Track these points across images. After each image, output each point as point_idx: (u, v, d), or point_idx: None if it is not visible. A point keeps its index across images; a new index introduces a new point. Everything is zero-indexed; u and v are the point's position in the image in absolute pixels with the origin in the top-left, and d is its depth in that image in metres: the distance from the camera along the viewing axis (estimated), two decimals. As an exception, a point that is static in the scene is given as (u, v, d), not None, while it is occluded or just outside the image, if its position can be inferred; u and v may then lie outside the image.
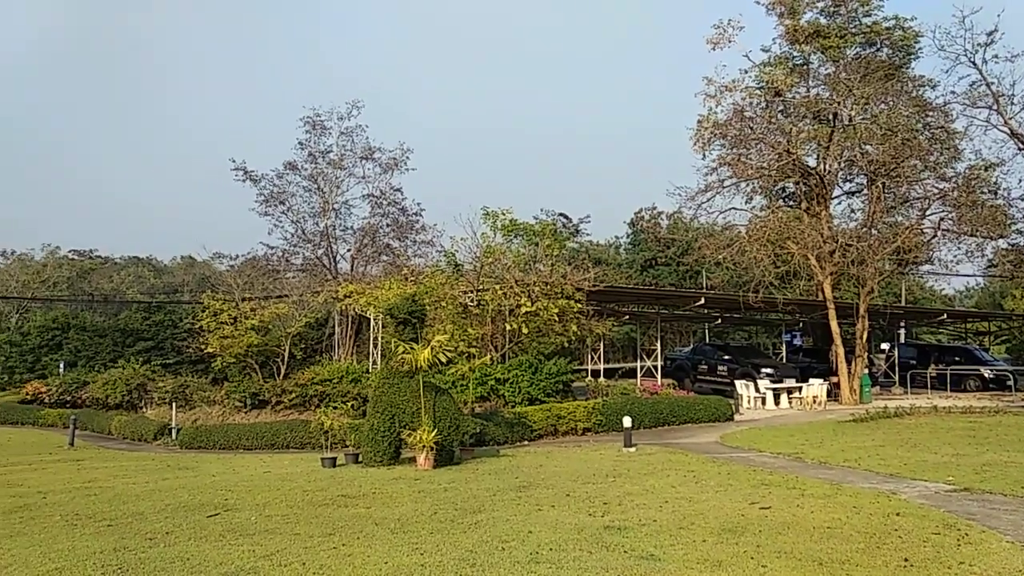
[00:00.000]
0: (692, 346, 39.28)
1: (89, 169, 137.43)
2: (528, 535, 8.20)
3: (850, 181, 35.54)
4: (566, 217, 56.30)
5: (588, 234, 59.82)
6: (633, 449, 15.92)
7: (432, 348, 14.74)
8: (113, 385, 27.29)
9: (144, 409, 26.47)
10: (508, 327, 22.46)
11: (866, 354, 30.67)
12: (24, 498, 12.07)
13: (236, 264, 37.67)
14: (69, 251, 62.58)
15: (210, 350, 25.85)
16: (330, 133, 34.65)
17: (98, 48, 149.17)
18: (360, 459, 15.22)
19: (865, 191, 32.79)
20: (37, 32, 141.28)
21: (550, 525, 8.70)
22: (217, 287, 33.48)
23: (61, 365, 35.22)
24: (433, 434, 14.04)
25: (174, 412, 23.42)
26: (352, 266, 35.06)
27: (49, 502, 11.55)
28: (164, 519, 9.66)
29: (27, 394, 30.93)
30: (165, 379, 27.41)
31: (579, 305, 22.81)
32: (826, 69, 32.70)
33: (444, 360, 15.39)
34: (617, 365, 34.69)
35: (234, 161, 34.19)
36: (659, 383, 27.34)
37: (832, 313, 28.84)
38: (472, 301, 23.26)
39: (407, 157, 35.39)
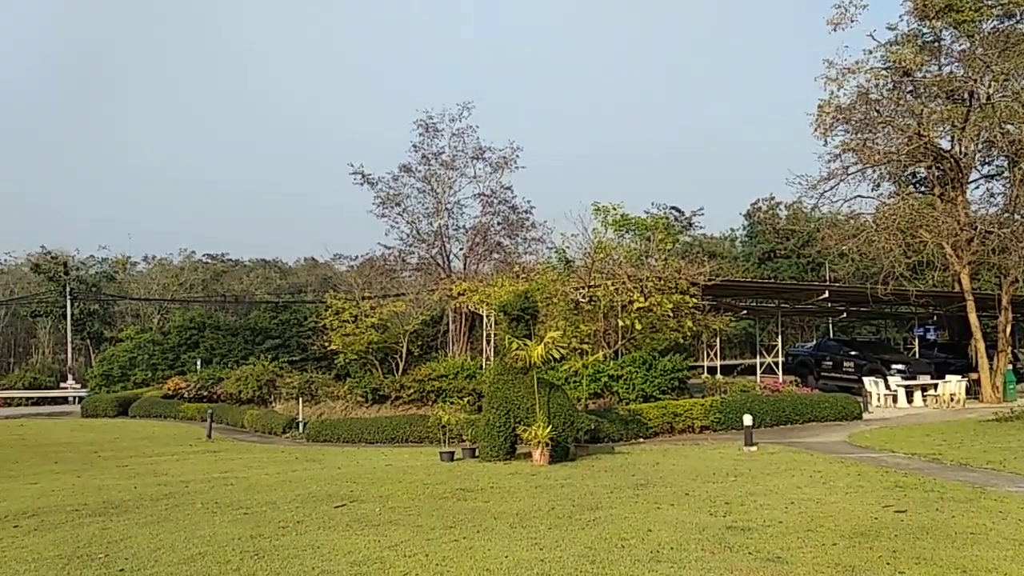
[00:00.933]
0: (815, 341, 37.65)
1: (221, 177, 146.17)
2: (647, 533, 8.08)
3: (989, 164, 33.05)
4: (678, 210, 55.26)
5: (701, 227, 58.51)
6: (754, 448, 15.41)
7: (545, 344, 14.78)
8: (245, 381, 28.87)
9: (273, 404, 27.84)
10: (620, 323, 22.22)
11: (1010, 349, 28.51)
12: (169, 487, 12.96)
13: (355, 264, 39.05)
14: (203, 255, 66.78)
15: (333, 347, 26.89)
16: (442, 135, 35.32)
17: (214, 50, 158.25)
18: (477, 453, 15.46)
19: (1006, 173, 30.43)
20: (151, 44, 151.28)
21: (670, 524, 8.54)
22: (338, 287, 34.85)
23: (198, 362, 37.57)
24: (548, 430, 14.08)
25: (300, 407, 24.51)
26: (465, 264, 35.63)
27: (191, 491, 12.35)
28: (295, 508, 10.13)
29: (169, 389, 33.11)
30: (292, 375, 28.74)
31: (694, 300, 22.29)
32: (960, 45, 30.48)
33: (557, 356, 15.41)
34: (735, 362, 33.72)
35: (352, 165, 35.46)
36: (780, 380, 26.36)
37: (971, 305, 26.96)
38: (583, 297, 23.16)
39: (517, 155, 35.62)
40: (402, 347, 27.27)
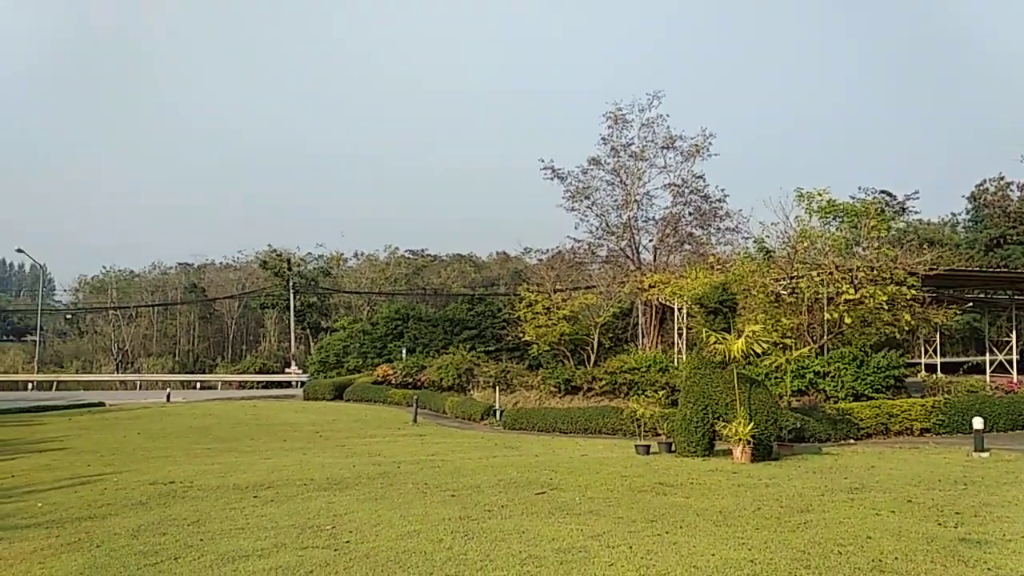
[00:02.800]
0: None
1: (421, 178, 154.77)
2: (867, 541, 7.55)
3: None
4: (889, 194, 50.92)
5: (916, 212, 53.55)
6: (986, 454, 13.93)
7: (746, 338, 14.24)
8: (445, 369, 30.34)
9: (471, 391, 29.04)
10: (827, 316, 20.88)
11: None
12: (383, 467, 13.88)
13: (545, 258, 39.67)
14: (406, 251, 70.90)
15: (527, 338, 27.58)
16: (631, 126, 34.98)
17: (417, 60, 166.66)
18: (673, 448, 15.20)
19: None
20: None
21: (892, 532, 7.92)
22: (529, 280, 35.60)
23: (403, 351, 39.96)
24: (750, 427, 13.56)
25: (497, 395, 25.36)
26: (655, 256, 35.10)
27: (402, 471, 13.15)
28: (498, 493, 10.49)
29: (378, 376, 35.52)
30: (488, 364, 29.81)
31: (912, 292, 20.48)
32: None
33: (759, 351, 14.80)
34: (958, 359, 30.60)
35: (543, 161, 36.03)
36: (1015, 379, 23.60)
37: None
38: (785, 289, 22.02)
39: (709, 143, 34.54)
40: (593, 339, 27.42)
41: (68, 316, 73.60)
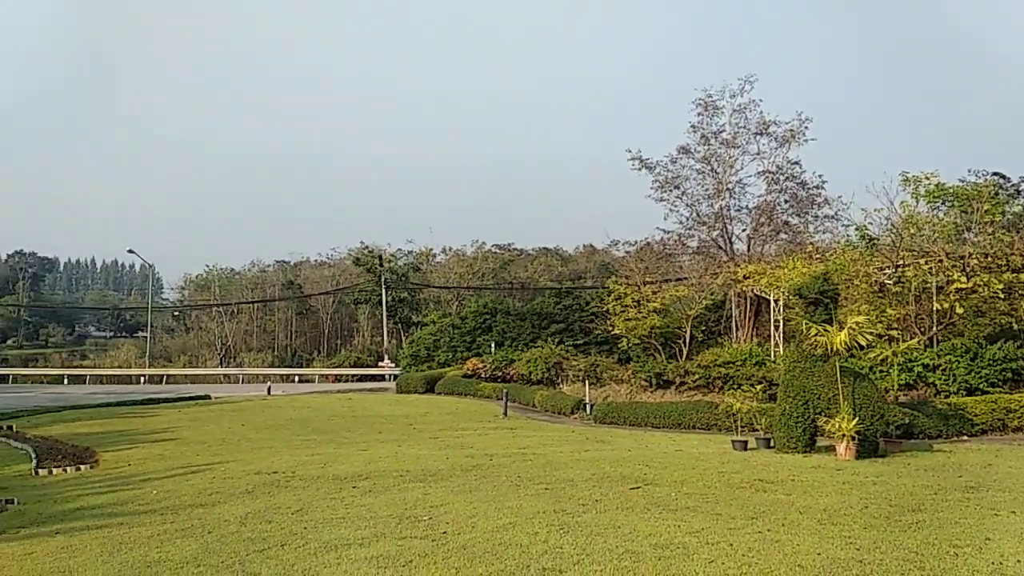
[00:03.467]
0: None
1: (505, 175, 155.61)
2: (985, 543, 7.13)
3: None
4: (1002, 176, 47.84)
5: (1033, 194, 50.11)
6: (1119, 453, 12.93)
7: (849, 330, 13.66)
8: (534, 363, 30.39)
9: (560, 385, 28.99)
10: (936, 307, 19.82)
11: None
12: (475, 459, 14.01)
13: (633, 250, 39.16)
14: (492, 245, 71.34)
15: (616, 332, 27.30)
16: (722, 112, 34.02)
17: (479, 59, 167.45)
18: (772, 444, 14.75)
19: None
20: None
21: (1015, 534, 7.45)
22: (617, 272, 35.23)
23: (492, 345, 40.25)
24: (854, 422, 13.01)
25: (587, 388, 25.22)
26: (748, 246, 34.09)
27: (495, 464, 13.24)
28: (592, 487, 10.42)
29: (468, 370, 35.89)
30: (577, 358, 29.68)
31: (1030, 279, 19.22)
32: None
33: (863, 343, 14.18)
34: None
35: (630, 151, 35.54)
36: None
37: None
38: (890, 278, 21.02)
39: (805, 128, 33.24)
40: (685, 332, 26.93)
41: (175, 313, 77.53)
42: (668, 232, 35.57)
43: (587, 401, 24.49)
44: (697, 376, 23.99)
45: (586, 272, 71.20)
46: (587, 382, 25.89)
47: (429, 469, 12.67)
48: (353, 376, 51.36)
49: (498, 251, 71.06)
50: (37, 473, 14.13)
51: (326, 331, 68.35)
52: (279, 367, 55.94)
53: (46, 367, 59.12)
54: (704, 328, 31.00)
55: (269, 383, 41.90)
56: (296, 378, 51.57)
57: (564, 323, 40.51)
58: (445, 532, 7.83)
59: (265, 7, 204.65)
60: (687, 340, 26.89)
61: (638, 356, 27.09)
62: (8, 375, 52.16)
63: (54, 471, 14.19)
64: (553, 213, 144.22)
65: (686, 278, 32.19)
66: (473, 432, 19.81)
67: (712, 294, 31.87)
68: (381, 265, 59.15)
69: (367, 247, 65.33)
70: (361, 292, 62.12)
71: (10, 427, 21.67)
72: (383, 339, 57.35)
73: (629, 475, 11.47)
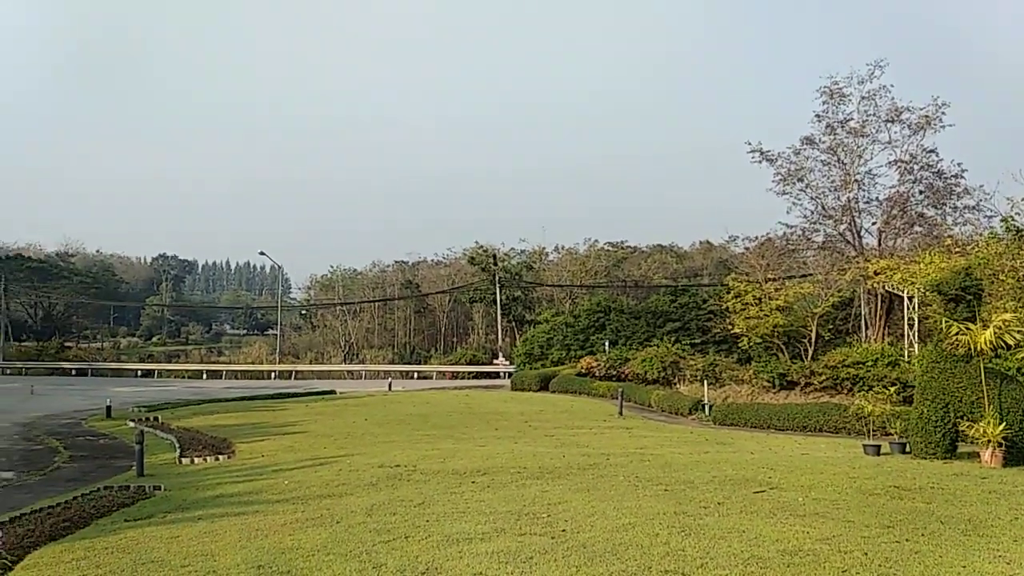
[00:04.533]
0: None
1: (618, 171, 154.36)
2: None
3: None
4: None
5: None
6: None
7: (995, 328, 12.70)
8: (650, 362, 29.95)
9: (677, 384, 28.43)
10: (1095, 303, 18.14)
11: None
12: (592, 458, 13.94)
13: (753, 246, 37.86)
14: (605, 243, 70.84)
15: (736, 330, 26.52)
16: (849, 100, 32.42)
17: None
18: (908, 449, 13.92)
19: None
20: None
21: None
22: (735, 269, 34.17)
23: (606, 344, 39.98)
24: (1001, 427, 12.09)
25: (706, 389, 24.62)
26: (879, 240, 32.30)
27: (612, 463, 13.12)
28: (713, 490, 10.13)
29: (582, 368, 35.83)
30: (695, 358, 29.04)
31: None
32: None
33: (1010, 343, 13.15)
34: None
35: (750, 143, 34.40)
36: None
37: None
38: (1041, 272, 19.39)
39: (942, 113, 31.19)
40: (810, 331, 25.82)
41: (302, 312, 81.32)
42: (791, 227, 34.21)
43: (705, 402, 23.91)
44: (824, 377, 22.95)
45: (703, 269, 69.55)
46: (705, 382, 25.27)
47: (546, 467, 12.69)
48: (469, 373, 52.28)
49: (611, 248, 70.47)
50: (180, 462, 15.14)
51: (443, 329, 69.88)
52: (398, 364, 57.64)
53: (187, 363, 63.41)
54: (831, 327, 29.63)
55: (390, 379, 43.29)
56: (415, 375, 53.01)
57: (680, 321, 39.73)
58: (564, 530, 7.81)
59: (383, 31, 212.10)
60: (812, 339, 25.75)
61: (759, 356, 26.19)
62: (154, 370, 56.28)
63: (195, 460, 15.17)
64: (668, 210, 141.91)
65: (811, 274, 30.86)
66: (588, 431, 19.73)
67: (839, 291, 30.39)
68: (495, 264, 59.91)
69: (482, 247, 66.33)
70: (476, 291, 63.14)
71: (156, 418, 23.36)
72: (497, 337, 58.05)
73: (752, 478, 11.09)
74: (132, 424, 21.27)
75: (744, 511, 8.72)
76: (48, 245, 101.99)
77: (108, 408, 24.99)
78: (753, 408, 21.98)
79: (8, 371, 54.88)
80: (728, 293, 27.37)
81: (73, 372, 54.45)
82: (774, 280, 28.20)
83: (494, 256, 61.64)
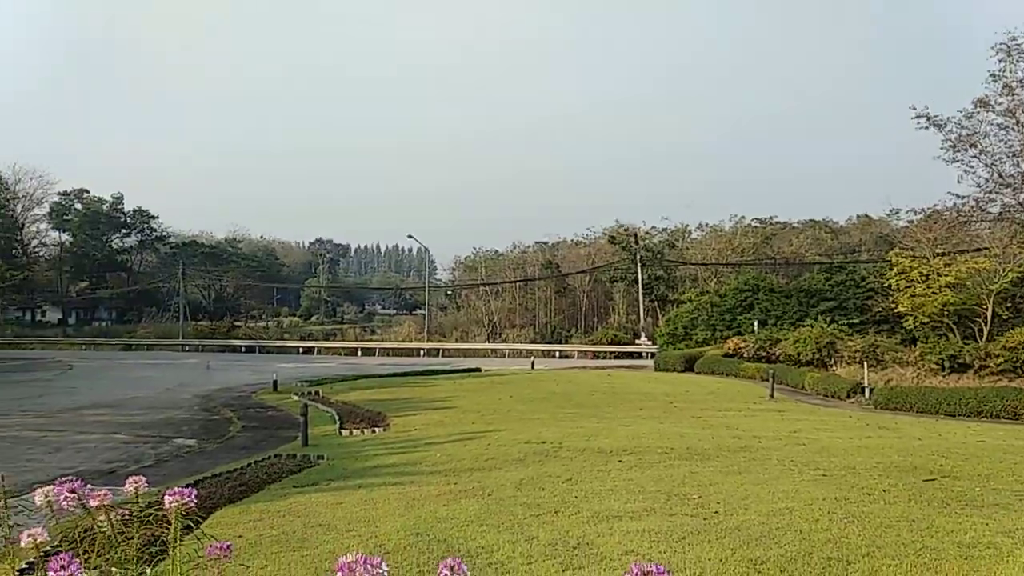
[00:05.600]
0: None
1: (760, 142, 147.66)
2: None
3: None
4: None
5: None
6: None
7: None
8: (804, 343, 28.59)
9: (833, 367, 26.99)
10: None
11: None
12: (742, 440, 13.51)
13: (918, 219, 35.13)
14: (752, 219, 68.04)
15: (900, 310, 24.78)
16: (1031, 55, 29.29)
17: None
18: (1105, 440, 12.54)
19: None
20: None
21: None
22: (898, 244, 31.90)
23: (755, 324, 38.55)
24: None
25: (866, 371, 23.21)
26: (1067, 209, 29.09)
27: (764, 446, 12.66)
28: (878, 476, 9.56)
29: (728, 349, 34.74)
30: (853, 338, 27.42)
31: None
32: None
33: None
34: None
35: (914, 109, 31.81)
36: None
37: None
38: None
39: None
40: (985, 309, 23.72)
41: (447, 292, 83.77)
42: (962, 197, 31.37)
43: (866, 385, 22.55)
44: (1002, 360, 21.05)
45: (860, 245, 65.44)
46: (865, 364, 23.80)
47: (694, 448, 12.44)
48: (610, 353, 52.04)
49: (759, 225, 67.65)
50: (340, 433, 16.03)
51: (583, 308, 69.84)
52: (540, 343, 58.22)
53: (342, 341, 66.88)
54: (1009, 305, 27.05)
55: (532, 358, 43.81)
56: (556, 354, 53.40)
57: (835, 300, 37.63)
58: (717, 512, 7.63)
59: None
60: (988, 319, 23.61)
61: (926, 336, 24.34)
62: (313, 347, 59.89)
63: (353, 432, 16.01)
64: (820, 182, 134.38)
65: (986, 248, 28.26)
66: (738, 412, 19.13)
67: (1020, 266, 27.70)
68: (636, 243, 59.04)
69: (622, 226, 65.57)
70: (616, 270, 62.56)
71: (317, 392, 24.84)
72: (639, 317, 57.32)
73: (921, 466, 10.38)
74: (296, 398, 22.73)
75: (913, 500, 8.19)
76: (218, 232, 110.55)
77: (274, 382, 26.81)
78: (919, 392, 20.50)
79: (187, 348, 60.10)
80: (891, 270, 25.52)
81: (242, 349, 58.92)
82: (943, 255, 26.03)
83: (635, 235, 60.74)
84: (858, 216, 72.26)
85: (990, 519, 7.25)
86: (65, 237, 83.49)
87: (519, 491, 8.90)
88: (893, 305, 25.19)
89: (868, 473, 9.80)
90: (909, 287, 24.15)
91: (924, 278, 24.03)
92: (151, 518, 4.29)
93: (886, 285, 25.89)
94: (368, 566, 2.70)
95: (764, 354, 31.90)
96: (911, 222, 35.10)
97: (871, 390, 21.97)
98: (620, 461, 11.12)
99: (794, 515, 7.43)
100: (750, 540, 6.51)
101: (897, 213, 57.03)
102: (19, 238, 79.19)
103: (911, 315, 24.40)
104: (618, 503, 8.11)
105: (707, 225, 69.61)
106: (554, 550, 6.30)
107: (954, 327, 23.71)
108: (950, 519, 7.26)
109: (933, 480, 9.30)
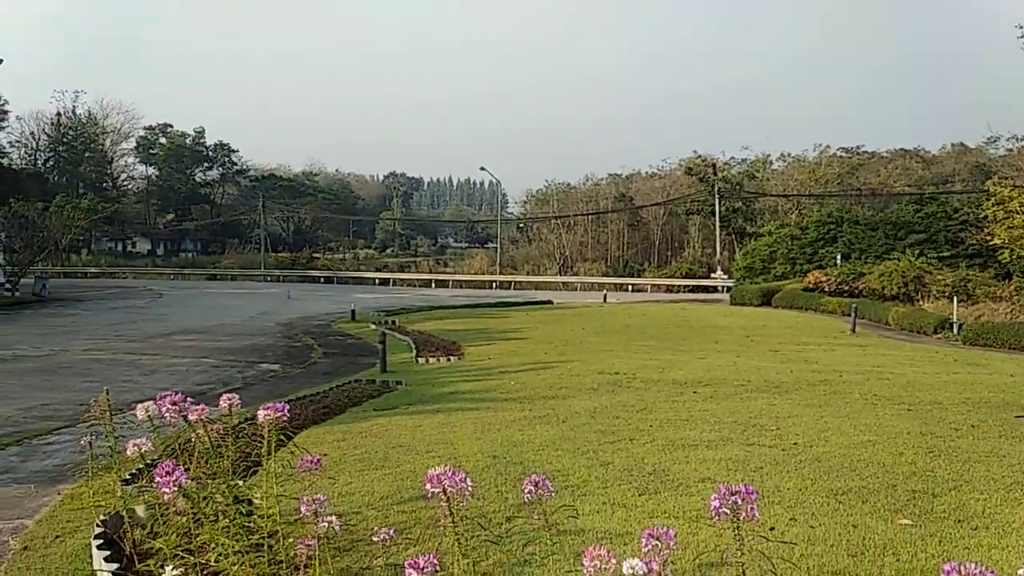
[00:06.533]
0: None
1: (847, 66, 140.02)
2: None
3: None
4: None
5: None
6: None
7: None
8: (889, 277, 27.57)
9: (920, 302, 25.99)
10: None
11: None
12: (822, 374, 13.23)
13: (1019, 147, 33.04)
14: (838, 149, 65.15)
15: (995, 242, 23.56)
16: None
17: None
18: None
19: None
20: None
21: None
22: (995, 173, 30.14)
23: (838, 257, 37.33)
24: None
25: (955, 306, 22.28)
26: None
27: (845, 380, 12.38)
28: (966, 412, 9.25)
29: (809, 283, 33.81)
30: (942, 272, 26.31)
31: None
32: None
33: None
34: None
35: (1020, 27, 29.55)
36: None
37: None
38: None
39: None
40: (1091, 242, 22.28)
41: (519, 226, 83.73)
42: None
43: (954, 320, 21.67)
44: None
45: (954, 175, 62.04)
46: (955, 299, 22.83)
47: (771, 381, 12.26)
48: (684, 287, 51.38)
49: (844, 155, 64.75)
50: (417, 361, 16.40)
51: (656, 242, 68.83)
52: (612, 277, 57.88)
53: (417, 273, 68.03)
54: (1116, 237, 25.38)
55: (605, 291, 43.66)
56: (629, 287, 53.05)
57: (925, 233, 36.00)
58: (795, 443, 7.52)
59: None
60: (1092, 252, 22.23)
61: (1023, 271, 23.11)
62: (388, 279, 61.07)
63: (429, 360, 16.35)
64: (912, 108, 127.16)
65: (1094, 177, 26.45)
66: (817, 347, 18.71)
67: None
68: (715, 174, 57.46)
69: (700, 156, 63.75)
70: (693, 203, 61.15)
71: (394, 322, 25.42)
72: (715, 250, 56.22)
73: (1014, 402, 9.98)
74: (373, 327, 23.30)
75: (1004, 436, 7.90)
76: (295, 165, 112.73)
77: (352, 312, 27.54)
78: (1013, 328, 19.59)
79: (268, 278, 62.17)
80: (988, 200, 24.15)
81: (321, 280, 60.57)
82: (1048, 184, 24.48)
83: (713, 165, 59.05)
84: (952, 145, 68.32)
85: (1090, 458, 6.94)
86: (151, 171, 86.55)
87: (593, 419, 8.97)
88: (988, 238, 23.95)
89: (956, 408, 9.49)
90: (1007, 218, 22.84)
91: (1024, 209, 22.71)
92: (245, 433, 4.50)
93: (981, 217, 24.59)
94: (455, 479, 2.77)
95: (846, 288, 30.94)
96: (1011, 150, 33.06)
97: (960, 325, 21.12)
98: (695, 392, 11.06)
99: (877, 448, 7.27)
100: (830, 471, 6.41)
101: (996, 141, 53.81)
102: (109, 172, 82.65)
103: (1007, 248, 23.14)
104: (693, 432, 8.08)
105: (789, 155, 67.13)
106: (629, 475, 6.34)
107: (1057, 261, 22.44)
108: (1044, 456, 6.98)
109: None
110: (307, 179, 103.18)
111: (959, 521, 5.13)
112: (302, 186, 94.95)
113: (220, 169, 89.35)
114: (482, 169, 72.11)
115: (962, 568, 1.91)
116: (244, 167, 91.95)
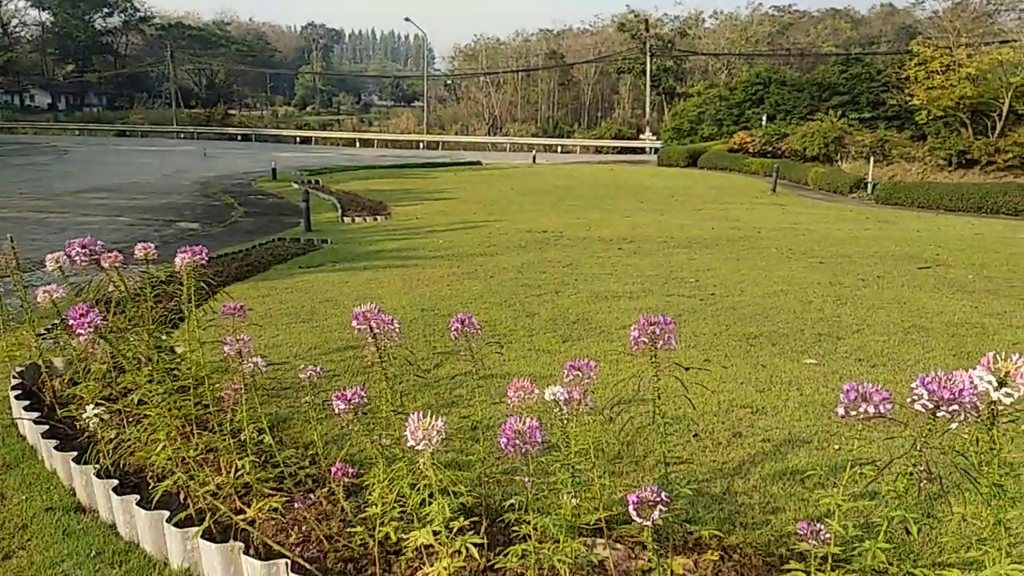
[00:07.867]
0: None
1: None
2: None
3: None
4: None
5: None
6: None
7: None
8: (810, 138, 28.09)
9: (839, 162, 26.72)
10: None
11: None
12: (742, 231, 13.64)
13: (944, 8, 33.17)
14: (770, 7, 64.50)
15: (915, 103, 24.06)
16: None
17: None
18: (1101, 234, 12.65)
19: None
20: None
21: None
22: (920, 34, 30.39)
23: (763, 118, 37.68)
24: None
25: (871, 167, 23.02)
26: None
27: (763, 236, 12.81)
28: (873, 264, 9.75)
29: (734, 144, 34.23)
30: (862, 133, 26.93)
31: None
32: None
33: None
34: None
35: None
36: None
37: None
38: None
39: None
40: (1002, 104, 23.01)
41: (447, 83, 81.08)
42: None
43: (869, 180, 22.45)
44: (1011, 156, 20.80)
45: (880, 37, 62.46)
46: (871, 159, 23.54)
47: (693, 237, 12.58)
48: (613, 148, 51.35)
49: (776, 13, 64.13)
50: (343, 221, 16.13)
51: (587, 103, 68.00)
52: (541, 137, 57.25)
53: (340, 131, 65.73)
54: (1029, 100, 26.29)
55: (534, 152, 43.29)
56: (558, 148, 52.71)
57: (848, 94, 36.53)
58: (713, 293, 7.83)
59: None
60: (1003, 114, 22.96)
61: (938, 131, 23.83)
62: (310, 137, 58.94)
63: (355, 219, 16.11)
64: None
65: (1012, 40, 26.95)
66: (739, 206, 19.19)
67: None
68: (647, 31, 56.22)
69: (633, 11, 62.07)
70: (624, 61, 60.09)
71: (317, 181, 24.74)
72: (644, 111, 55.93)
73: (917, 255, 10.55)
74: (296, 186, 22.66)
75: (906, 285, 8.38)
76: (205, 13, 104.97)
77: (273, 171, 26.62)
78: (923, 187, 20.46)
79: (182, 135, 59.15)
80: (911, 60, 24.45)
81: (238, 137, 58.00)
82: (967, 46, 24.83)
83: (646, 21, 57.66)
84: (881, 5, 68.34)
85: (979, 303, 7.46)
86: (45, 16, 79.25)
87: (520, 274, 9.09)
88: (908, 98, 24.44)
89: (864, 261, 9.98)
90: (928, 79, 23.27)
91: (944, 69, 23.09)
92: (163, 285, 4.37)
93: (904, 77, 24.97)
94: (381, 318, 2.76)
95: (770, 149, 31.47)
96: (937, 11, 33.22)
97: (874, 185, 21.92)
98: (620, 249, 11.29)
99: (788, 297, 7.64)
100: (744, 318, 6.73)
101: (923, 2, 54.01)
102: (-3, 17, 75.25)
103: (925, 109, 23.72)
104: (616, 285, 8.30)
105: (722, 13, 66.26)
106: (554, 325, 6.52)
107: (967, 122, 23.13)
108: (939, 301, 7.47)
109: (928, 268, 9.49)
110: (218, 29, 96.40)
111: (860, 360, 5.49)
112: (213, 36, 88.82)
113: (122, 15, 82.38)
114: (407, 20, 68.46)
115: (860, 388, 2.03)
116: (148, 14, 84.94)
